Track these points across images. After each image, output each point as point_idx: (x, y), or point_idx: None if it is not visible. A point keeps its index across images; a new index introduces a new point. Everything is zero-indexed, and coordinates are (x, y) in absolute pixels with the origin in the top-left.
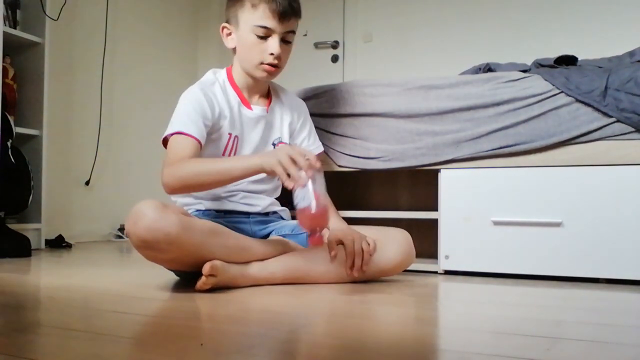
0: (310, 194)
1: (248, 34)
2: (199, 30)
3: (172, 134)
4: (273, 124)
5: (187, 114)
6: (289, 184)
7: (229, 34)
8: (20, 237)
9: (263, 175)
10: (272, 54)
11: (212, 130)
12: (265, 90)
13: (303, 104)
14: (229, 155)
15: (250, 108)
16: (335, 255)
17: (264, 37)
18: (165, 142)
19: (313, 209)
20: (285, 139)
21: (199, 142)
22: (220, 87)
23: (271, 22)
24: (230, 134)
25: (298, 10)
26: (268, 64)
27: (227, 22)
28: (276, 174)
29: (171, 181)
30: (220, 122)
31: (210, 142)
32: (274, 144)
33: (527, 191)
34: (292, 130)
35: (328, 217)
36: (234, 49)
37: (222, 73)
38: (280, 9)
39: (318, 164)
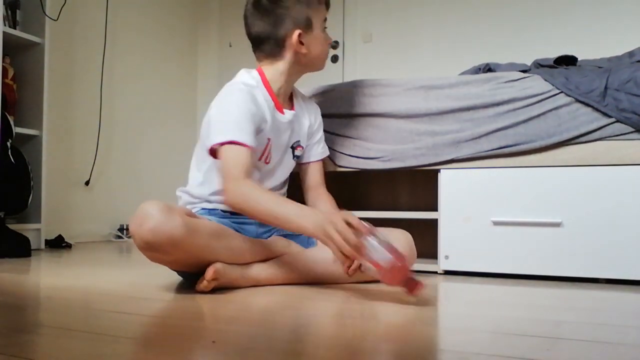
0: (380, 252)
1: (320, 31)
2: (198, 30)
3: (225, 143)
4: (296, 128)
5: (237, 121)
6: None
7: (301, 40)
8: (20, 237)
9: (267, 171)
10: (330, 42)
11: (256, 134)
12: (290, 93)
13: (318, 109)
14: (265, 159)
15: (282, 112)
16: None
17: (324, 29)
18: (214, 149)
19: (392, 265)
20: (303, 142)
21: (253, 149)
22: (261, 91)
23: (326, 13)
24: (269, 139)
25: None
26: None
27: (296, 28)
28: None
29: (237, 202)
30: (262, 126)
31: None
32: (292, 147)
33: (527, 191)
34: (309, 134)
35: (407, 262)
36: (295, 53)
37: (257, 75)
38: None
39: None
